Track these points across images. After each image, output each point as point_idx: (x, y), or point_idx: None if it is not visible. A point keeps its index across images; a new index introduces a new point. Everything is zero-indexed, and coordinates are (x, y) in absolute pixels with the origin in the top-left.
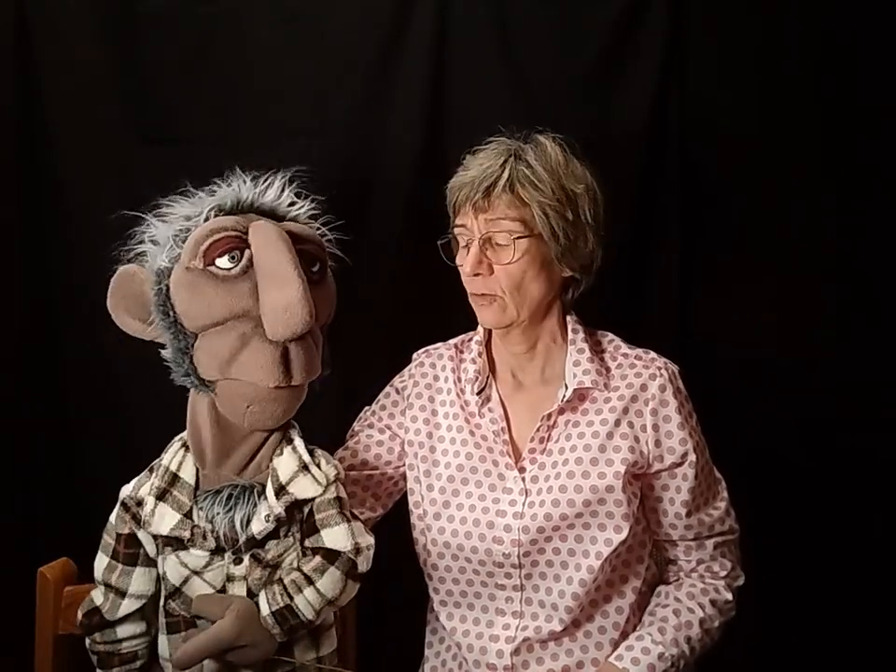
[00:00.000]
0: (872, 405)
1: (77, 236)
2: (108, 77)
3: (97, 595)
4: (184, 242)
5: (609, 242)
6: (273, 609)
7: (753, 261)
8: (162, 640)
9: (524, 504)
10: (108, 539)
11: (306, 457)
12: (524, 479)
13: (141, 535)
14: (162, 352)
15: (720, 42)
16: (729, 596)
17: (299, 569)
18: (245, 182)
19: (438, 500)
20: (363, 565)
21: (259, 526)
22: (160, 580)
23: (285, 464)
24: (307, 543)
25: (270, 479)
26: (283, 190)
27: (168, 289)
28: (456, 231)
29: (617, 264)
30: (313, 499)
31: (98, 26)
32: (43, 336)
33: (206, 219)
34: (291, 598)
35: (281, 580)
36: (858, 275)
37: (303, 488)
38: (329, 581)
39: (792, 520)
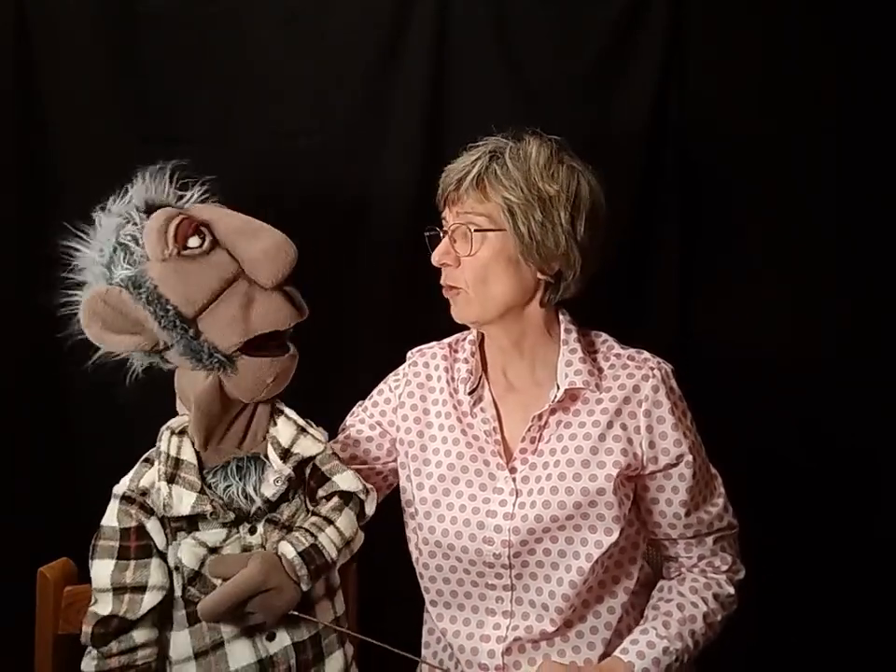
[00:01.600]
0: (872, 405)
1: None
2: (108, 77)
3: (102, 607)
4: (134, 244)
5: (608, 242)
6: (300, 550)
7: (753, 261)
8: (181, 636)
9: (514, 504)
10: (108, 543)
11: (301, 422)
12: (514, 479)
13: (150, 525)
14: (167, 355)
15: (720, 42)
16: (731, 590)
17: (316, 514)
18: (140, 183)
19: (428, 499)
20: (370, 506)
21: (271, 490)
22: (171, 575)
23: (283, 431)
24: (320, 492)
25: (270, 447)
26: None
27: (155, 287)
28: (443, 223)
29: (617, 264)
30: (314, 457)
31: (98, 26)
32: (43, 336)
33: (135, 219)
34: (315, 537)
35: (301, 526)
36: (857, 275)
37: (307, 447)
38: (347, 520)
39: (792, 520)
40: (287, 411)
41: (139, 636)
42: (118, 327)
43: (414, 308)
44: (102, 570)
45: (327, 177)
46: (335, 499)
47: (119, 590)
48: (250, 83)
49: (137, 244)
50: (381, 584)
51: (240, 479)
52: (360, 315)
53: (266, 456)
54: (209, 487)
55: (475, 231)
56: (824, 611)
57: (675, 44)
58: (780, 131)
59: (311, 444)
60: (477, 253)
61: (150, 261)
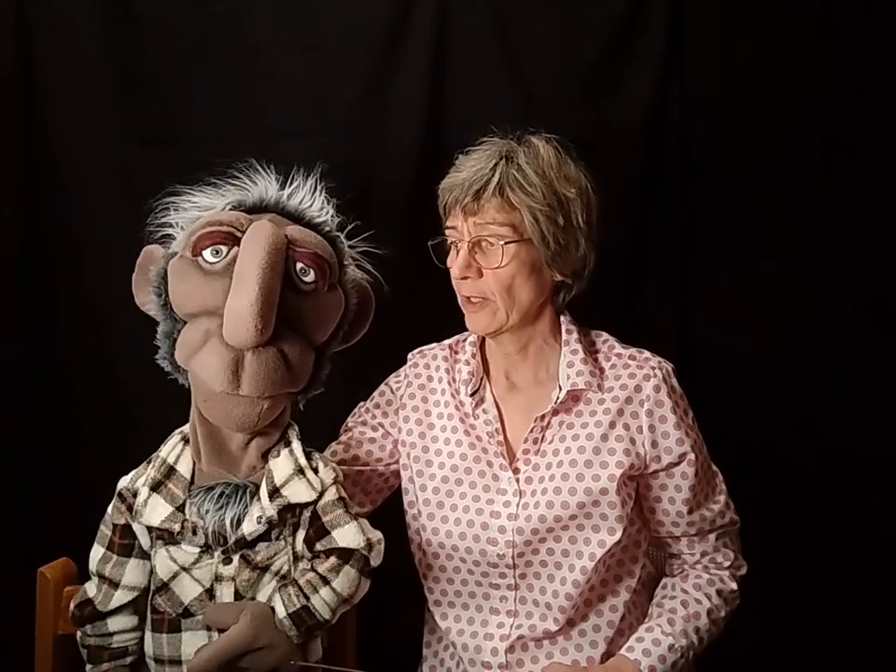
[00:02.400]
0: (872, 405)
1: (78, 236)
2: (108, 77)
3: (90, 587)
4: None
5: (608, 242)
6: (290, 611)
7: (753, 261)
8: (147, 637)
9: (518, 505)
10: (105, 531)
11: (302, 461)
12: (518, 480)
13: (135, 526)
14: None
15: (720, 42)
16: (734, 586)
17: (313, 570)
18: (271, 181)
19: (431, 501)
20: (375, 559)
21: (250, 527)
22: (152, 574)
23: (281, 466)
24: (318, 546)
25: (265, 480)
26: (312, 194)
27: (166, 272)
28: (447, 232)
29: (617, 264)
30: (306, 504)
31: (98, 26)
32: (43, 336)
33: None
34: (308, 599)
35: (296, 581)
36: (858, 275)
37: (297, 492)
38: (346, 580)
39: (792, 520)
40: (295, 444)
41: (113, 623)
42: (144, 282)
43: (415, 308)
44: (94, 554)
45: (327, 177)
46: (333, 559)
47: (100, 578)
48: (250, 83)
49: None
50: (381, 584)
51: (220, 507)
52: None
53: (258, 488)
54: (192, 505)
55: (504, 243)
56: (825, 609)
57: (675, 44)
58: (780, 130)
59: (303, 491)
60: (507, 265)
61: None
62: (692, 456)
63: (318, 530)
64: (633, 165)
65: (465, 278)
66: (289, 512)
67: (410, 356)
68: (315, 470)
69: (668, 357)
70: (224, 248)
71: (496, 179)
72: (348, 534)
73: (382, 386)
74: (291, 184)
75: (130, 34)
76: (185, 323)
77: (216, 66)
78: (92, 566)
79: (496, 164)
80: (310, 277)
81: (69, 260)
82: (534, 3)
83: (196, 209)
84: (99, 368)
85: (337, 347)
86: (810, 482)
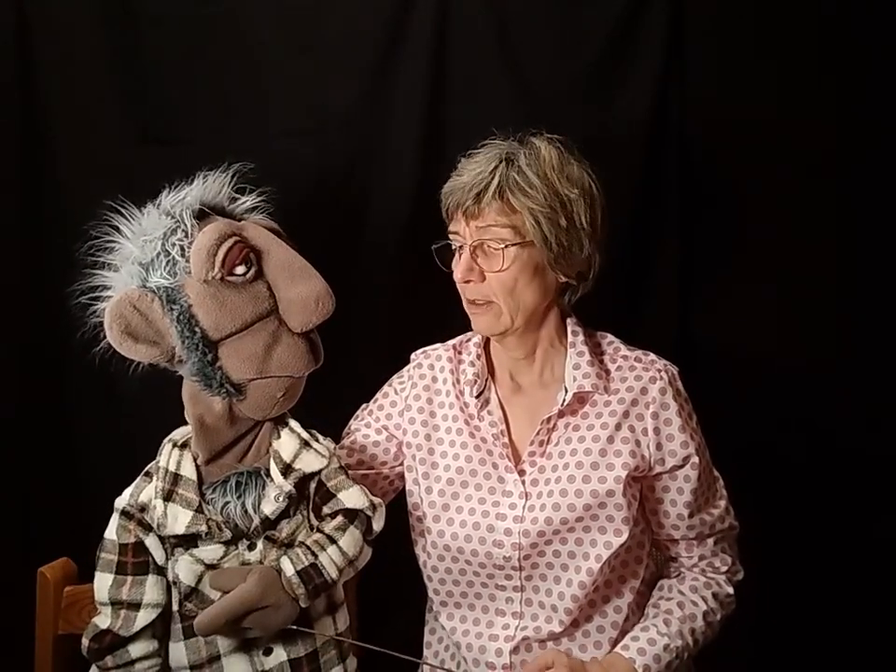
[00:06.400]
0: (871, 405)
1: (78, 236)
2: (108, 77)
3: (102, 620)
4: (180, 255)
5: (609, 242)
6: (299, 569)
7: (753, 261)
8: (178, 648)
9: (524, 507)
10: (108, 556)
11: (305, 435)
12: (524, 482)
13: (149, 541)
14: (180, 370)
15: (720, 42)
16: (730, 590)
17: (319, 530)
18: (199, 184)
19: (437, 503)
20: (378, 523)
21: (270, 507)
22: (169, 589)
23: (286, 444)
24: (325, 510)
25: (272, 461)
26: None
27: (189, 306)
28: (451, 236)
29: (617, 264)
30: (318, 472)
31: (98, 26)
32: (43, 336)
33: (186, 228)
34: (315, 556)
35: (303, 542)
36: (858, 275)
37: (310, 462)
38: (351, 539)
39: (792, 520)
40: (292, 423)
41: (135, 650)
42: (140, 334)
43: (416, 308)
44: (101, 583)
45: (327, 177)
46: (339, 518)
47: (116, 604)
48: (250, 83)
49: (183, 255)
50: (381, 584)
51: (239, 495)
52: (361, 315)
53: (268, 471)
54: (208, 503)
55: (505, 246)
56: (823, 612)
57: (675, 44)
58: (780, 130)
59: (313, 459)
60: (508, 268)
61: (191, 277)
62: (695, 460)
63: (324, 495)
64: (633, 165)
65: (468, 282)
66: (303, 486)
67: (413, 356)
68: (317, 440)
69: (668, 357)
70: (251, 259)
71: (495, 182)
72: (353, 496)
73: (385, 387)
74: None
75: (130, 33)
76: (214, 346)
77: (216, 66)
78: (103, 596)
79: (495, 167)
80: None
81: (69, 260)
82: (534, 3)
83: (136, 239)
84: (99, 367)
85: None
86: (810, 481)
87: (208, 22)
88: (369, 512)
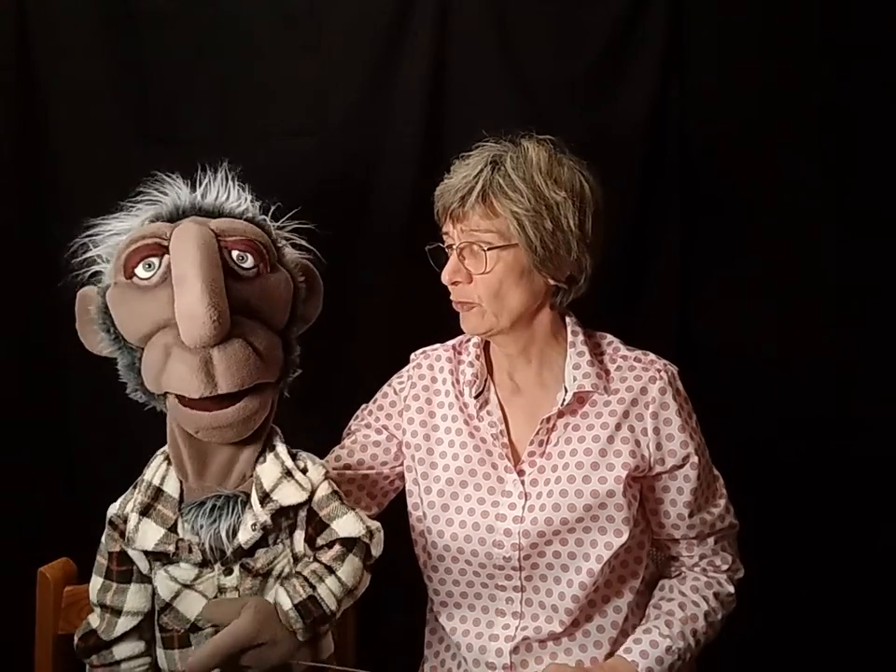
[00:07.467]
0: (871, 405)
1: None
2: (108, 77)
3: (93, 618)
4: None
5: (609, 242)
6: (296, 602)
7: (753, 261)
8: (160, 655)
9: (523, 508)
10: (101, 560)
11: (289, 463)
12: (523, 482)
13: (131, 552)
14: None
15: (720, 41)
16: (731, 589)
17: (317, 560)
18: (181, 187)
19: (437, 503)
20: (376, 548)
21: (245, 536)
22: (154, 597)
23: (268, 471)
24: (319, 541)
25: (254, 487)
26: (225, 187)
27: (106, 306)
28: (444, 238)
29: (617, 264)
30: (299, 505)
31: (98, 26)
32: (43, 336)
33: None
34: (314, 588)
35: (299, 573)
36: (858, 275)
37: (287, 495)
38: (350, 569)
39: (792, 519)
40: (279, 448)
41: (119, 651)
42: (89, 330)
43: (416, 308)
44: (93, 585)
45: (327, 177)
46: (337, 547)
47: (102, 608)
48: (250, 83)
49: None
50: (381, 584)
51: (213, 520)
52: (361, 315)
53: (248, 497)
54: (185, 523)
55: (487, 249)
56: (823, 611)
57: (675, 44)
58: (780, 130)
59: (292, 492)
60: (491, 270)
61: (112, 280)
62: (695, 459)
63: (317, 526)
64: (633, 165)
65: (455, 283)
66: (283, 516)
67: (413, 356)
68: (304, 471)
69: (668, 357)
70: (155, 260)
71: (479, 186)
72: (348, 523)
73: (384, 388)
74: (200, 185)
75: (130, 33)
76: (142, 350)
77: (216, 66)
78: (93, 597)
79: (480, 171)
80: (249, 262)
81: (69, 260)
82: (534, 3)
83: (115, 236)
84: (99, 368)
85: (299, 330)
86: (810, 481)
87: (208, 22)
88: (366, 539)
